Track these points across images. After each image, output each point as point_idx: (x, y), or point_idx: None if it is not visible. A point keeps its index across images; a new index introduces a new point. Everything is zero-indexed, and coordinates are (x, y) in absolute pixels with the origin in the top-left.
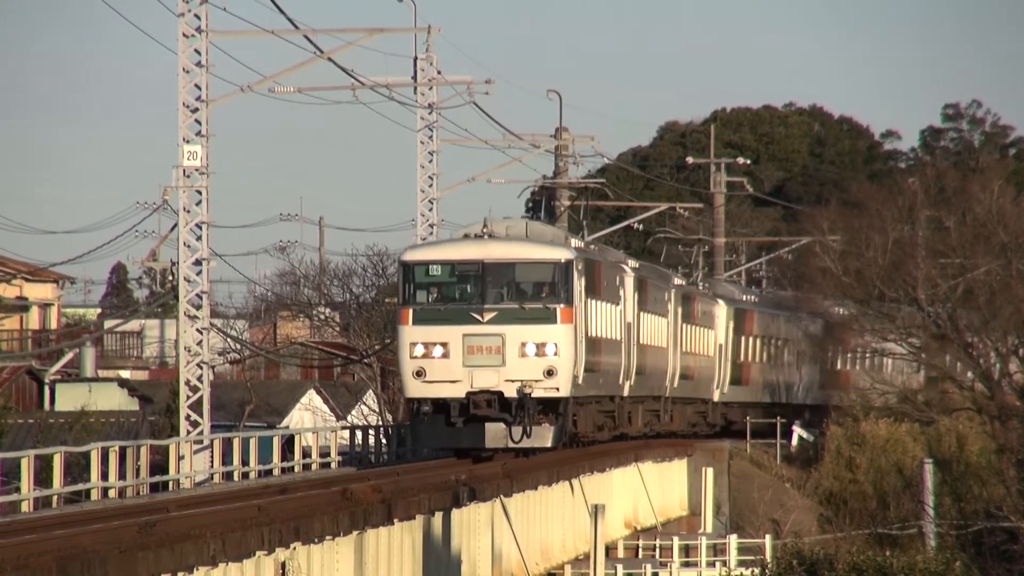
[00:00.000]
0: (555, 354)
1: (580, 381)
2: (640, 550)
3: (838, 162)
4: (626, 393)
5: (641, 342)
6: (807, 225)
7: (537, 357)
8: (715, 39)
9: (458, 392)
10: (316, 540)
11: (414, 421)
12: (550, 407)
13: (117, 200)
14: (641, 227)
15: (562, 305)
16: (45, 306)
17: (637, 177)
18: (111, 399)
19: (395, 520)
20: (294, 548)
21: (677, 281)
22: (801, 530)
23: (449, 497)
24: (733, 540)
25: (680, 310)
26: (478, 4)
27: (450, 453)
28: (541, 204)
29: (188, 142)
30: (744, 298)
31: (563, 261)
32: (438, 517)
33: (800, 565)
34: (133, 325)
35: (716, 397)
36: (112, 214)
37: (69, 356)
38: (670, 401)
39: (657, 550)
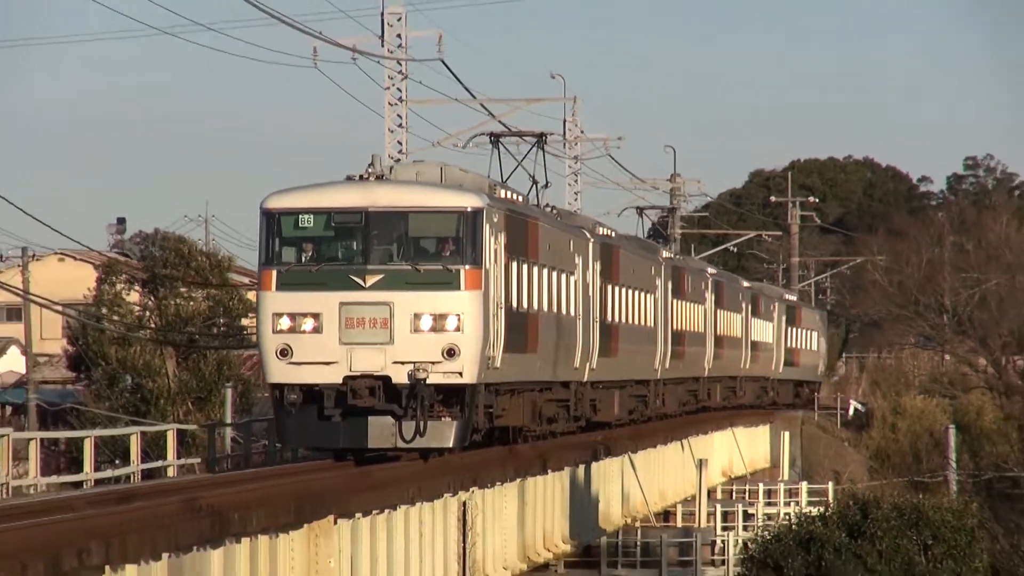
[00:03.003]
0: (457, 328)
1: (498, 364)
2: (734, 493)
3: (885, 200)
4: (586, 378)
5: (616, 320)
6: (861, 248)
7: (434, 332)
8: (794, 103)
9: (334, 377)
10: (489, 486)
11: (279, 414)
12: (453, 396)
13: None
14: (736, 250)
15: (468, 266)
16: None
17: (733, 211)
18: None
19: (549, 471)
20: (472, 492)
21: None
22: (855, 478)
23: (590, 453)
24: (804, 486)
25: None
26: (610, 72)
27: (327, 455)
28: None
29: None
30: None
31: (469, 210)
32: (581, 468)
33: (855, 504)
34: None
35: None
36: None
37: None
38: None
39: (746, 493)
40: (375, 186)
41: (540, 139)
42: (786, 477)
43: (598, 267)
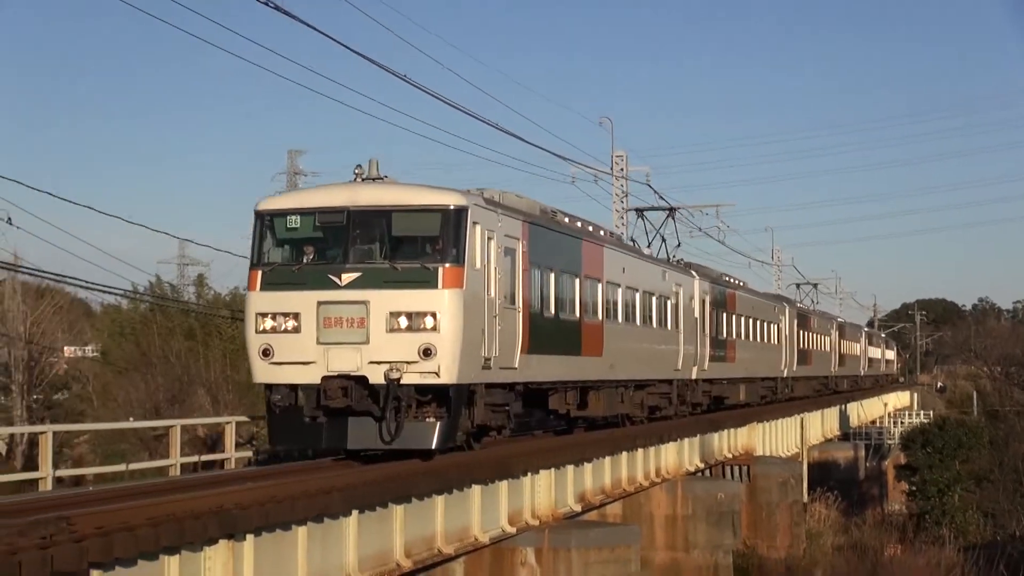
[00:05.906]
0: (434, 328)
1: (515, 364)
2: (896, 414)
3: (950, 313)
4: (694, 376)
5: (731, 337)
6: (942, 330)
7: (411, 332)
8: (917, 276)
9: (312, 377)
10: (807, 412)
11: (267, 413)
12: (436, 397)
13: None
14: (896, 330)
15: (447, 264)
16: None
17: (896, 318)
18: None
19: (817, 410)
20: (804, 415)
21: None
22: (940, 411)
23: (844, 400)
24: (921, 413)
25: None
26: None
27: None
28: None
29: None
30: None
31: (451, 207)
32: (840, 407)
33: (941, 419)
34: None
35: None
36: None
37: None
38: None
39: (903, 414)
40: (359, 186)
41: (671, 212)
42: (915, 409)
43: (707, 299)
